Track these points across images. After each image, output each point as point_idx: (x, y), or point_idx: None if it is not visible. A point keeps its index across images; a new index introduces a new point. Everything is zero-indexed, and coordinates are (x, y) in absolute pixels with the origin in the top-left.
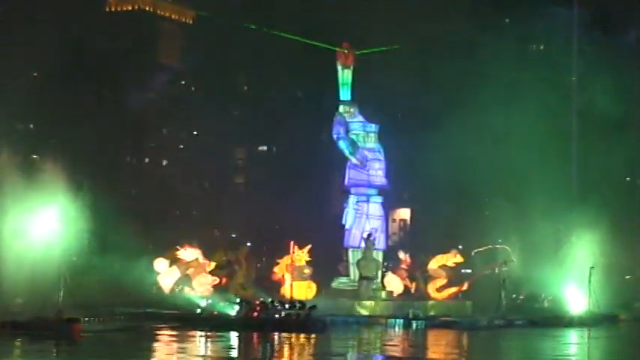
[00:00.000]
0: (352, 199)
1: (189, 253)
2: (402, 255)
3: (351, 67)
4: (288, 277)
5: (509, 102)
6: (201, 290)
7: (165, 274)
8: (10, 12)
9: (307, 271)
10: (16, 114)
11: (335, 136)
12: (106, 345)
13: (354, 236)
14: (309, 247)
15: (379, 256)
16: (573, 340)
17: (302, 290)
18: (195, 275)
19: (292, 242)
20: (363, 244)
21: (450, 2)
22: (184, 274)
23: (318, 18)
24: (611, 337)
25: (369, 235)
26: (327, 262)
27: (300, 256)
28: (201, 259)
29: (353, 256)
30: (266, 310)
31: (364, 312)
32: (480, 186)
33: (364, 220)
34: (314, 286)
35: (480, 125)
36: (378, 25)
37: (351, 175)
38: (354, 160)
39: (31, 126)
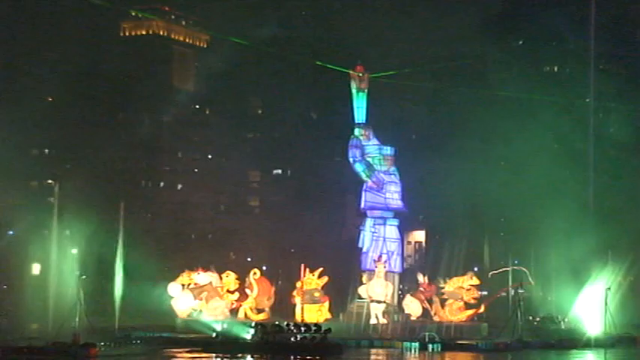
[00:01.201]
0: (369, 222)
1: (203, 277)
2: (420, 277)
3: (366, 90)
4: (298, 300)
5: (524, 125)
6: (215, 314)
7: (178, 299)
8: (24, 39)
9: (317, 294)
10: (32, 139)
11: (351, 159)
12: None
13: (371, 259)
14: (320, 270)
15: (395, 279)
16: None
17: (313, 313)
18: (209, 299)
19: (303, 266)
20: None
21: (464, 26)
22: (198, 298)
23: (331, 41)
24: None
25: (379, 257)
26: (343, 284)
27: (311, 279)
28: (215, 282)
29: (370, 279)
30: (281, 334)
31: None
32: (495, 208)
33: (381, 242)
34: (325, 309)
35: (495, 148)
36: (391, 48)
37: (367, 198)
38: (370, 183)
39: (47, 151)
